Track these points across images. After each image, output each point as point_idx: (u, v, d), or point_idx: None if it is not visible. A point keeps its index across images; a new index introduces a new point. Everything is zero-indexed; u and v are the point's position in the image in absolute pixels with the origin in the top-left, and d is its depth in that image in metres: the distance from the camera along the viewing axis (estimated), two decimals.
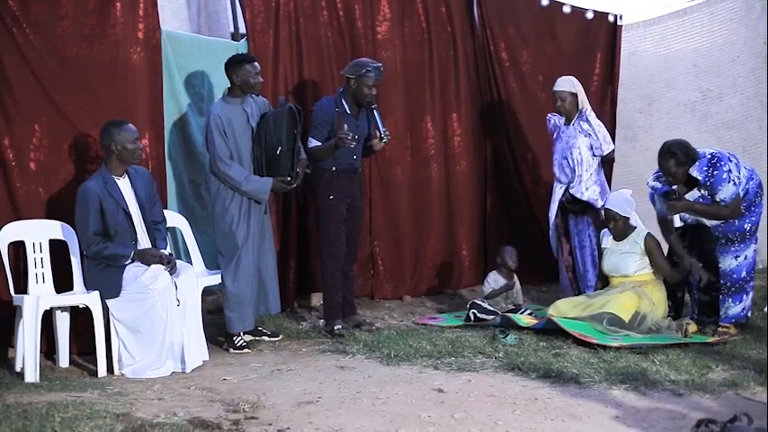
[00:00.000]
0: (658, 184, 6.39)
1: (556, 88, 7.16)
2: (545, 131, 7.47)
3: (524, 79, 8.45)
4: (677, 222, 6.46)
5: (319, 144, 6.49)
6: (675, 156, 6.14)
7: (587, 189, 7.05)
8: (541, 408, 4.68)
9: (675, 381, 5.08)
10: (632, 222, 6.63)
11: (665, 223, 6.37)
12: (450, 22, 8.13)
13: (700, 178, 6.10)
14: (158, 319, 5.56)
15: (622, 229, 6.56)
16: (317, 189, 6.60)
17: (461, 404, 4.75)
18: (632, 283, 6.44)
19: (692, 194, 6.20)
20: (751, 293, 6.30)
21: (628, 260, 6.49)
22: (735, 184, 6.07)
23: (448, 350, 5.92)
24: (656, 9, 8.90)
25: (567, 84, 7.15)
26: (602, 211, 6.70)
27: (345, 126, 6.40)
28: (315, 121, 6.55)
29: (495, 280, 7.14)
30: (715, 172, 6.08)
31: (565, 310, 6.39)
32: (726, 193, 6.07)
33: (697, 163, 6.13)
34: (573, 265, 7.19)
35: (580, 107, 7.11)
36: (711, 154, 6.16)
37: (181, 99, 6.72)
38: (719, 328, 6.21)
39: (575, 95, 7.10)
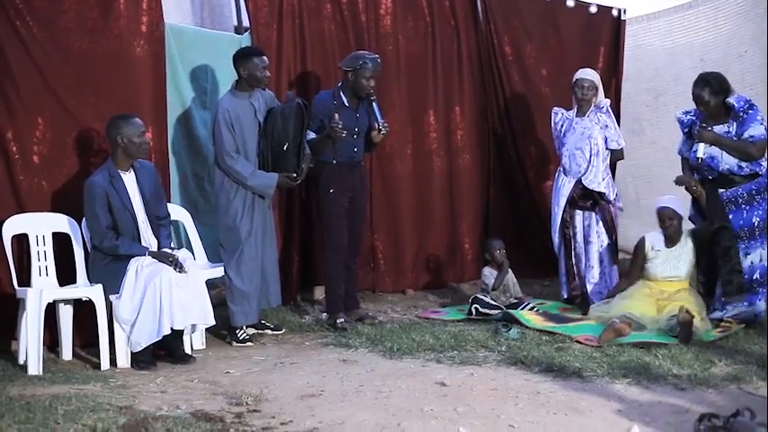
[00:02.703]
0: (685, 117, 6.40)
1: (583, 76, 7.10)
2: (548, 126, 7.46)
3: (528, 73, 8.45)
4: None
5: (314, 136, 6.49)
6: (711, 85, 6.14)
7: (603, 180, 7.04)
8: (544, 402, 4.68)
9: (678, 375, 5.08)
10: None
11: (685, 161, 6.44)
12: (454, 15, 8.12)
13: (736, 105, 6.12)
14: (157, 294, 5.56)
15: (677, 229, 6.43)
16: (319, 183, 6.60)
17: (464, 398, 4.75)
18: (677, 290, 6.37)
19: (720, 129, 6.18)
20: (763, 298, 6.19)
21: (681, 264, 6.41)
22: (766, 129, 6.09)
23: (451, 344, 5.92)
24: (661, 3, 8.88)
25: (593, 75, 7.17)
26: (657, 212, 6.46)
27: (336, 116, 6.39)
28: (311, 114, 6.55)
29: (490, 273, 7.13)
30: (750, 111, 6.12)
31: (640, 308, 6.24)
32: (756, 131, 6.08)
33: (735, 95, 6.17)
34: (575, 261, 7.16)
35: (598, 100, 7.11)
36: (749, 98, 6.23)
37: (184, 92, 6.72)
38: (722, 323, 6.20)
39: (597, 88, 7.10)
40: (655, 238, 6.52)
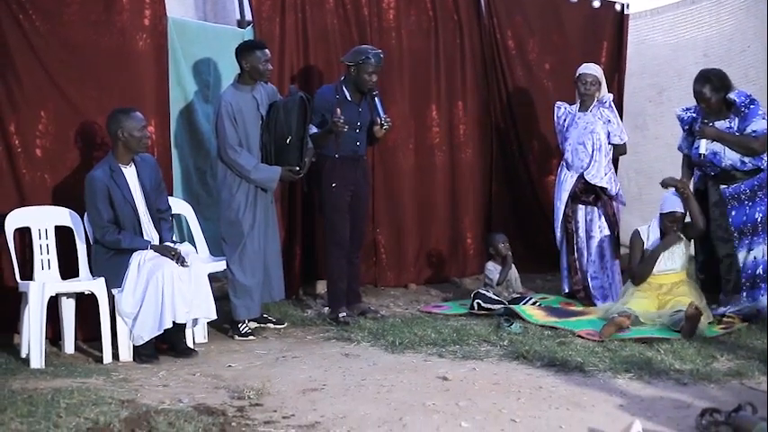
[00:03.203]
0: (685, 114, 6.40)
1: (586, 71, 7.07)
2: (551, 120, 7.45)
3: (531, 68, 8.44)
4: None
5: (317, 131, 6.49)
6: (711, 81, 6.14)
7: (605, 175, 7.03)
8: (546, 396, 4.68)
9: (680, 370, 5.08)
10: None
11: (685, 157, 6.47)
12: (457, 9, 8.11)
13: (737, 101, 6.11)
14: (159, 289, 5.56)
15: (678, 230, 6.43)
16: (321, 177, 6.60)
17: (466, 392, 4.76)
18: (675, 282, 6.37)
19: (721, 125, 6.18)
20: (765, 294, 6.17)
21: (675, 256, 6.39)
22: None
23: (453, 338, 5.93)
24: None
25: (596, 70, 7.14)
26: (666, 215, 6.37)
27: (338, 110, 6.39)
28: (314, 108, 6.55)
29: (494, 268, 7.13)
30: (751, 105, 6.12)
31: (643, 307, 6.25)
32: (759, 125, 6.07)
33: (736, 90, 6.16)
34: (577, 256, 7.15)
35: (601, 95, 7.10)
36: (750, 93, 6.22)
37: (187, 86, 6.73)
38: (725, 318, 6.20)
39: (600, 83, 7.09)
40: (647, 232, 6.52)
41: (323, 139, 6.49)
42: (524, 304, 6.78)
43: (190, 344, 5.86)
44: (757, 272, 6.16)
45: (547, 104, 7.93)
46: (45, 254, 5.82)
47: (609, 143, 7.10)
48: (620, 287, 6.92)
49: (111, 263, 5.66)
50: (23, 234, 5.84)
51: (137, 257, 5.61)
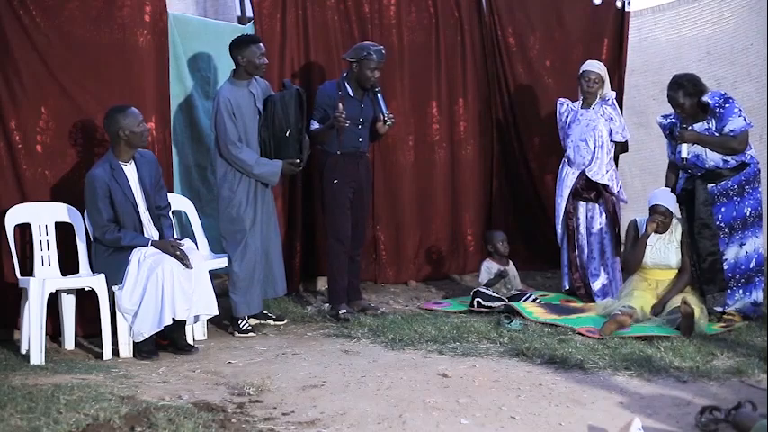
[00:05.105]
0: (665, 121, 6.43)
1: (589, 68, 7.06)
2: (552, 117, 7.45)
3: (531, 65, 8.42)
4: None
5: (319, 126, 6.49)
6: (684, 87, 6.16)
7: (607, 172, 7.03)
8: (546, 393, 4.68)
9: (680, 367, 5.08)
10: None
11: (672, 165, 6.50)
12: (458, 6, 8.10)
13: (711, 102, 6.12)
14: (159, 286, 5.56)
15: (666, 226, 6.41)
16: (323, 173, 6.60)
17: (466, 389, 4.76)
18: (672, 279, 6.36)
19: (699, 127, 6.19)
20: (761, 287, 6.23)
21: (670, 252, 6.38)
22: (744, 120, 6.11)
23: (453, 335, 5.93)
24: None
25: (599, 67, 7.14)
26: (653, 207, 6.38)
27: (340, 106, 6.39)
28: (315, 104, 6.56)
29: (488, 267, 7.13)
30: (726, 105, 6.13)
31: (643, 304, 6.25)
32: (735, 124, 6.09)
33: (709, 92, 6.19)
34: (578, 253, 7.15)
35: (604, 92, 7.09)
36: (724, 92, 6.25)
37: (187, 82, 6.73)
38: (725, 316, 6.20)
39: (603, 80, 7.08)
40: (642, 225, 6.51)
41: (325, 135, 6.49)
42: (524, 301, 6.78)
43: (190, 340, 5.87)
44: (750, 266, 6.18)
45: (547, 101, 7.93)
46: (45, 250, 5.83)
47: (611, 140, 7.10)
48: (620, 284, 6.92)
49: (112, 259, 5.66)
50: (24, 230, 5.84)
51: (137, 254, 5.61)
